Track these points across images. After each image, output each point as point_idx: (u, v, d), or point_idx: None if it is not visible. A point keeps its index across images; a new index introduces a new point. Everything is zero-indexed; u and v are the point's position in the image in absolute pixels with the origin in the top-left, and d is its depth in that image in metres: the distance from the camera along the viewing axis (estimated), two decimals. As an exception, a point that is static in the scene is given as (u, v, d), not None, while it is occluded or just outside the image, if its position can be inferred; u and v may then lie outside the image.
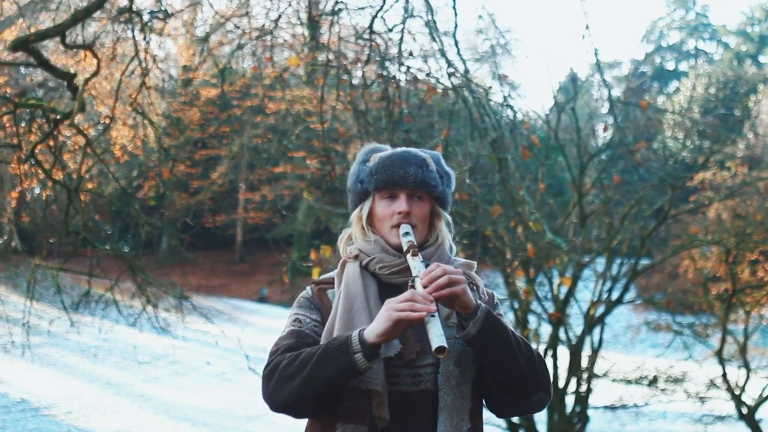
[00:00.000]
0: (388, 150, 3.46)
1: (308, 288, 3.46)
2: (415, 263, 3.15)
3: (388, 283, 3.30)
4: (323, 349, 3.04)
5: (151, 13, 13.12)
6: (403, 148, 3.43)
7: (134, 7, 11.73)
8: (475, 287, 3.34)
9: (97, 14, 12.79)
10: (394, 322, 2.93)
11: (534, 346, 12.62)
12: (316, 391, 3.04)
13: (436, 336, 2.87)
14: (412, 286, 3.08)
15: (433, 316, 2.93)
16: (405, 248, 3.22)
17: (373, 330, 2.97)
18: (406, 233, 3.26)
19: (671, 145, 20.27)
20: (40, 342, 18.96)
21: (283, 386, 3.08)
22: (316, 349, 3.07)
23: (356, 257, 3.38)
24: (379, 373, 3.08)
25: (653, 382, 15.32)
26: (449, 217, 3.47)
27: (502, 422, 13.06)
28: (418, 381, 3.18)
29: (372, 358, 2.98)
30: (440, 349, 2.84)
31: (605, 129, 15.59)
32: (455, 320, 3.12)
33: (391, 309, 2.95)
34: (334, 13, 11.29)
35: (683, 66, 65.82)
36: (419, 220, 3.33)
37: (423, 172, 3.33)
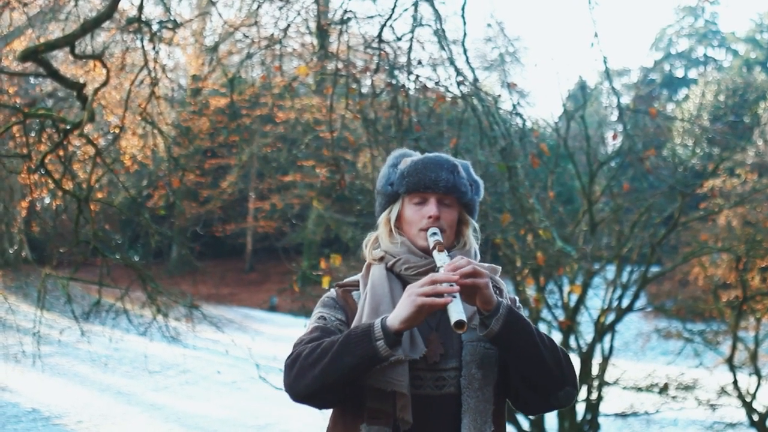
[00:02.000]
0: (419, 155, 3.47)
1: (333, 290, 3.46)
2: (441, 257, 3.17)
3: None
4: (345, 336, 3.04)
5: (160, 22, 13.14)
6: (436, 153, 3.44)
7: (143, 17, 11.75)
8: (498, 291, 3.32)
9: (106, 24, 12.82)
10: (417, 307, 2.94)
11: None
12: (338, 379, 3.03)
13: (456, 312, 2.88)
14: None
15: (455, 296, 2.94)
16: (431, 245, 3.24)
17: (396, 316, 2.98)
18: (434, 233, 3.27)
19: (681, 153, 20.21)
20: (51, 351, 18.98)
21: (305, 374, 3.07)
22: (338, 337, 3.07)
23: (381, 259, 3.39)
24: (404, 375, 3.07)
25: (664, 389, 15.29)
26: (477, 225, 3.48)
27: (513, 430, 13.04)
28: (442, 384, 3.19)
29: (394, 346, 2.98)
30: (459, 323, 2.86)
31: (615, 137, 15.59)
32: (477, 322, 3.12)
33: (413, 294, 2.96)
34: (343, 22, 11.31)
35: (692, 73, 65.72)
36: (447, 225, 3.34)
37: (454, 177, 3.35)
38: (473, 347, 3.17)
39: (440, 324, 3.24)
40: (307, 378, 3.07)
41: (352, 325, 3.20)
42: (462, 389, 3.17)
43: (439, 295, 2.94)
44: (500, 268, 3.43)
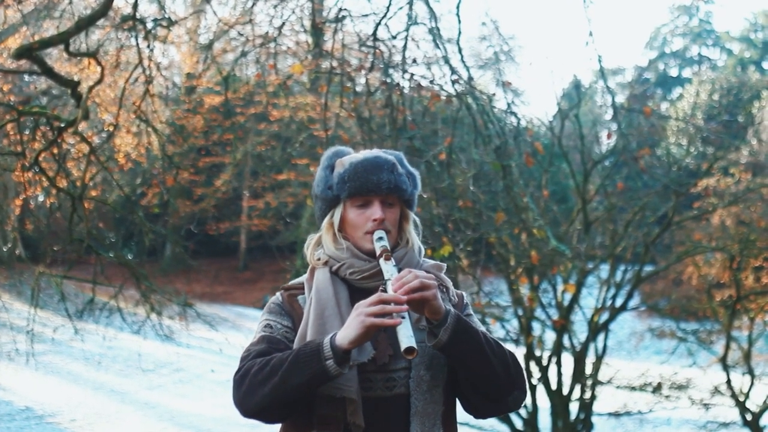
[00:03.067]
0: (353, 155, 3.43)
1: (278, 294, 3.44)
2: (388, 267, 3.15)
3: (359, 288, 3.28)
4: (294, 355, 3.03)
5: (155, 20, 13.12)
6: (373, 153, 3.40)
7: (138, 15, 11.74)
8: (444, 289, 3.34)
9: (100, 22, 12.82)
10: (366, 328, 2.93)
11: (538, 353, 12.61)
12: (287, 397, 3.03)
13: (406, 337, 2.87)
14: (383, 290, 3.09)
15: (404, 317, 2.93)
16: (378, 252, 3.21)
17: (345, 336, 2.96)
18: (380, 238, 3.24)
19: (675, 152, 20.25)
20: (44, 350, 18.96)
21: (255, 392, 3.07)
22: (287, 354, 3.06)
23: (326, 263, 3.37)
24: (352, 380, 3.07)
25: (657, 388, 15.30)
26: (416, 219, 3.45)
27: (506, 429, 13.05)
28: (392, 385, 3.17)
29: (343, 364, 2.98)
30: (409, 349, 2.85)
31: (609, 136, 15.61)
32: (425, 324, 3.11)
33: (362, 314, 2.95)
34: (338, 20, 11.31)
35: (687, 72, 65.85)
36: (391, 225, 3.32)
37: (395, 177, 3.31)
38: (422, 349, 3.12)
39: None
40: (256, 396, 3.07)
41: (298, 332, 3.22)
42: (411, 391, 3.15)
43: (389, 314, 2.94)
44: (445, 265, 3.43)
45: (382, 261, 3.18)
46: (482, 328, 3.23)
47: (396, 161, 3.38)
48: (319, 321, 3.16)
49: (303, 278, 3.43)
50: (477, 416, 3.29)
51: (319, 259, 3.39)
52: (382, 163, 3.33)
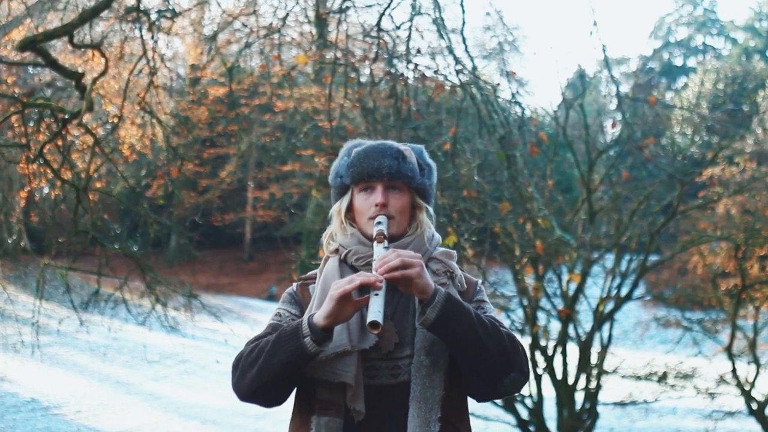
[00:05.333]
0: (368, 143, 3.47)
1: (294, 284, 3.49)
2: (379, 249, 3.18)
3: None
4: (277, 335, 3.12)
5: (159, 12, 13.13)
6: (380, 141, 3.44)
7: (142, 7, 11.75)
8: (448, 275, 3.32)
9: (104, 14, 12.80)
10: (335, 301, 2.98)
11: (544, 343, 12.62)
12: (272, 378, 3.11)
13: (373, 312, 2.91)
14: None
15: (377, 294, 2.96)
16: (374, 236, 3.24)
17: (320, 313, 3.03)
18: (378, 222, 3.27)
19: (680, 141, 20.23)
20: (50, 341, 18.98)
21: (245, 375, 3.15)
22: (272, 336, 3.14)
23: (336, 251, 3.41)
24: (350, 366, 3.11)
25: (663, 378, 15.28)
26: (431, 209, 3.45)
27: (512, 419, 13.06)
28: (397, 373, 3.18)
29: (323, 342, 3.03)
30: (373, 323, 2.89)
31: (614, 125, 15.59)
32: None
33: (333, 288, 3.02)
34: (342, 11, 11.31)
35: (691, 62, 65.73)
36: (397, 211, 3.33)
37: (399, 163, 3.33)
38: (423, 334, 3.16)
39: (396, 313, 3.25)
40: (247, 378, 3.15)
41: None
42: (411, 376, 3.16)
43: (368, 288, 2.99)
44: (455, 252, 3.42)
45: (375, 244, 3.22)
46: (491, 314, 3.23)
47: (408, 150, 3.41)
48: (320, 306, 3.18)
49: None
50: (478, 400, 3.27)
51: (331, 249, 3.43)
52: (385, 149, 3.36)
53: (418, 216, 3.41)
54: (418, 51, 11.82)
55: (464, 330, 3.04)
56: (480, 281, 3.44)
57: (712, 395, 15.52)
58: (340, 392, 3.15)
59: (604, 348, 13.67)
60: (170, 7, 13.79)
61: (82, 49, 13.87)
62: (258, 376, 3.12)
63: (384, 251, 3.15)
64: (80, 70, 11.96)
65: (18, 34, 15.74)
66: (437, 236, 3.47)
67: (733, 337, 14.93)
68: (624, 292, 13.75)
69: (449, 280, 3.28)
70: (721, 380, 15.37)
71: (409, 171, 3.34)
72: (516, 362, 3.12)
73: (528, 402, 13.12)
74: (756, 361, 14.92)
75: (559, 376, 13.29)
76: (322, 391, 3.18)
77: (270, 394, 3.19)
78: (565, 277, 13.43)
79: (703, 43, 67.83)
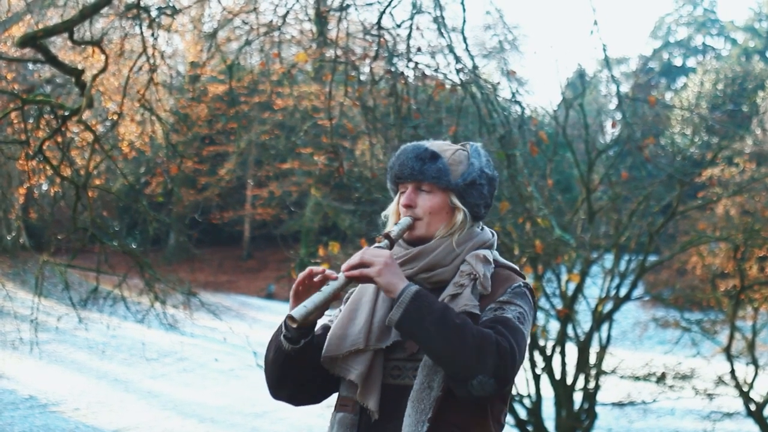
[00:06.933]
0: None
1: None
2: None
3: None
4: (274, 333, 3.25)
5: (159, 9, 13.09)
6: (415, 142, 3.41)
7: (142, 3, 11.73)
8: (472, 278, 3.23)
9: (104, 10, 12.79)
10: (291, 296, 3.15)
11: (542, 342, 12.60)
12: (272, 374, 3.27)
13: (300, 305, 3.01)
14: None
15: (320, 291, 3.05)
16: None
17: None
18: (396, 223, 3.29)
19: (679, 141, 20.25)
20: (48, 339, 18.98)
21: (265, 371, 3.31)
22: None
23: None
24: (360, 364, 3.16)
25: (661, 378, 15.30)
26: (466, 210, 3.33)
27: (510, 419, 13.06)
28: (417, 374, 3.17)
29: (296, 340, 3.16)
30: (289, 316, 3.01)
31: (613, 125, 15.61)
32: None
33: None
34: (342, 9, 11.29)
35: (691, 62, 65.74)
36: (425, 212, 3.29)
37: (423, 164, 3.29)
38: None
39: None
40: (266, 374, 3.31)
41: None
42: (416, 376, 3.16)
43: (318, 284, 3.12)
44: (485, 255, 3.30)
45: (376, 243, 3.23)
46: (508, 316, 3.14)
47: (439, 150, 3.36)
48: (350, 307, 3.31)
49: None
50: (459, 398, 3.23)
51: None
52: (410, 151, 3.35)
53: (452, 218, 3.34)
54: (419, 49, 11.83)
55: (427, 330, 3.00)
56: (520, 283, 3.29)
57: (710, 396, 15.55)
58: (356, 390, 3.19)
59: (603, 348, 13.68)
60: (170, 4, 13.78)
61: (82, 46, 13.86)
62: (268, 371, 3.28)
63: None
64: (80, 67, 11.97)
65: (18, 31, 15.76)
66: (484, 237, 3.40)
67: (731, 337, 14.95)
68: (623, 292, 13.77)
69: (471, 283, 3.23)
70: (720, 381, 15.38)
71: (434, 172, 3.29)
72: (485, 365, 3.00)
73: (526, 402, 13.13)
74: (754, 362, 14.94)
75: (557, 376, 13.30)
76: (342, 388, 3.27)
77: (287, 390, 3.32)
78: (564, 276, 13.44)
79: (703, 44, 67.85)
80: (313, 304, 3.01)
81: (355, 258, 3.07)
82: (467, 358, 2.99)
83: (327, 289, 3.04)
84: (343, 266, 3.08)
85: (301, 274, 3.13)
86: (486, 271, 3.26)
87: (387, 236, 3.23)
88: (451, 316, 3.04)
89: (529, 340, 3.21)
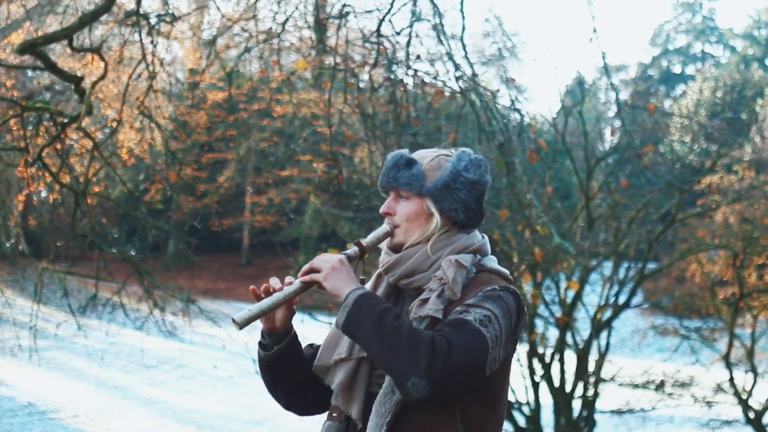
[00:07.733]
0: None
1: None
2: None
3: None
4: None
5: (158, 16, 13.12)
6: (398, 151, 3.43)
7: (141, 11, 11.74)
8: (442, 283, 3.20)
9: (104, 18, 12.79)
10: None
11: (541, 350, 12.60)
12: (263, 379, 3.38)
13: (246, 309, 3.11)
14: None
15: (270, 296, 3.17)
16: None
17: None
18: (373, 231, 3.35)
19: (678, 149, 20.22)
20: (47, 345, 18.97)
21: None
22: None
23: None
24: (341, 372, 3.23)
25: (660, 386, 15.30)
26: (439, 216, 3.30)
27: (509, 426, 13.05)
28: None
29: (269, 346, 3.31)
30: (233, 319, 3.09)
31: (612, 132, 15.62)
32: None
33: None
34: (342, 16, 11.29)
35: (690, 69, 65.70)
36: (402, 219, 3.31)
37: (398, 171, 3.30)
38: None
39: None
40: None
41: None
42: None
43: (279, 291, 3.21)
44: (460, 260, 3.26)
45: (346, 249, 3.32)
46: (465, 318, 3.08)
47: (415, 157, 3.37)
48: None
49: None
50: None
51: None
52: (393, 158, 3.37)
53: (429, 224, 3.33)
54: (418, 57, 11.82)
55: (365, 332, 3.05)
56: (496, 286, 3.22)
57: (709, 404, 15.55)
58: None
59: (602, 356, 13.68)
60: (170, 12, 13.80)
61: (82, 53, 13.86)
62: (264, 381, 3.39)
63: None
64: (79, 74, 11.96)
65: (17, 38, 15.74)
66: (467, 242, 3.36)
67: (730, 345, 14.95)
68: (622, 299, 13.77)
69: (440, 288, 3.21)
70: (719, 389, 15.38)
71: (406, 178, 3.29)
72: (416, 366, 2.97)
73: (525, 409, 13.13)
74: (753, 369, 14.94)
75: (556, 383, 13.30)
76: (333, 396, 3.30)
77: (279, 397, 3.43)
78: (563, 284, 13.44)
79: (702, 51, 67.82)
80: (259, 309, 3.11)
81: (305, 265, 3.18)
82: (400, 358, 3.00)
83: (278, 295, 3.15)
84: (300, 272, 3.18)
85: (263, 285, 3.21)
86: (457, 276, 3.22)
87: (358, 243, 3.30)
88: (388, 317, 3.05)
89: (504, 343, 3.12)
